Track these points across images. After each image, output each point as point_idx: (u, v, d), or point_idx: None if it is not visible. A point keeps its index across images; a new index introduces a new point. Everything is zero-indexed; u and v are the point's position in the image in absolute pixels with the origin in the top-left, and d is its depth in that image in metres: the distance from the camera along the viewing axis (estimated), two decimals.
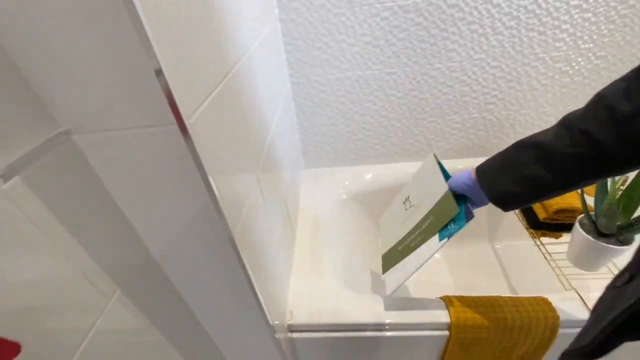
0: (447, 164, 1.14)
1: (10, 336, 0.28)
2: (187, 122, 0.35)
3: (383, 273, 0.77)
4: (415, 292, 1.08)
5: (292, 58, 0.96)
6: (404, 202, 0.80)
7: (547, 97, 1.01)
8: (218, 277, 0.52)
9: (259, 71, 0.67)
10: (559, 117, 1.05)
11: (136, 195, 0.41)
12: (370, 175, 1.19)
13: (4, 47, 0.30)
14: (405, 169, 1.18)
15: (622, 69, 0.94)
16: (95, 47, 0.30)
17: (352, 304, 0.77)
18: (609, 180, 0.70)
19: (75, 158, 0.36)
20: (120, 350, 0.42)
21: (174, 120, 0.34)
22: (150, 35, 0.29)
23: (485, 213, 1.22)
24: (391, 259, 0.76)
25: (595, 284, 0.94)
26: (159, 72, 0.31)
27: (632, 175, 0.69)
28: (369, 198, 1.18)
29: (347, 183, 1.18)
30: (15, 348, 0.29)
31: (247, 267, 0.50)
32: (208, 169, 0.39)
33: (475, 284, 1.12)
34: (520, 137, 1.12)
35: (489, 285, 1.09)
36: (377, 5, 0.86)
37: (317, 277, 0.85)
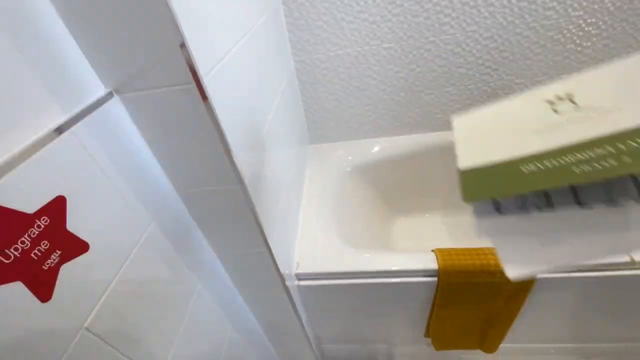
0: (446, 136, 1.21)
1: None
2: (203, 81, 0.44)
3: (467, 200, 0.41)
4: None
5: (294, 37, 1.04)
6: (548, 102, 0.40)
7: (541, 66, 1.05)
8: (235, 225, 0.62)
9: (262, 47, 0.75)
10: None
11: (165, 142, 0.50)
12: (373, 148, 1.26)
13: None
14: (405, 141, 1.25)
15: (613, 34, 0.97)
16: (136, 28, 0.39)
17: (352, 257, 0.86)
18: None
19: (117, 114, 0.46)
20: (150, 281, 0.52)
21: (192, 80, 0.43)
22: (178, 19, 0.38)
23: None
24: (501, 182, 0.38)
25: None
26: (182, 45, 0.40)
27: None
28: (372, 170, 1.26)
29: (350, 157, 1.26)
30: (85, 246, 0.39)
31: (260, 216, 0.60)
32: (222, 121, 0.48)
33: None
34: None
35: (482, 246, 1.15)
36: None
37: (321, 235, 0.94)
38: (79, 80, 0.41)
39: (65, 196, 0.37)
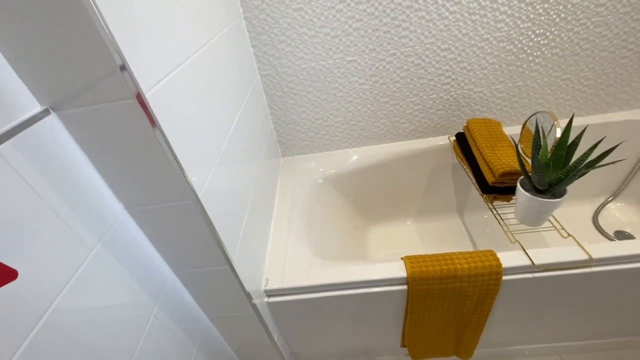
0: (413, 144, 1.24)
1: None
2: (146, 96, 0.43)
3: None
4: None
5: (259, 52, 1.04)
6: None
7: (497, 75, 1.10)
8: (191, 242, 0.60)
9: (222, 61, 0.75)
10: (510, 93, 1.14)
11: (110, 160, 0.48)
12: (344, 159, 1.27)
13: None
14: (375, 151, 1.26)
15: (560, 44, 1.04)
16: (72, 45, 0.38)
17: (322, 269, 0.85)
18: (542, 141, 0.79)
19: (54, 132, 0.44)
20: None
21: (134, 96, 0.42)
22: (117, 39, 0.37)
23: (453, 189, 1.31)
24: None
25: (537, 237, 1.03)
26: (122, 67, 0.39)
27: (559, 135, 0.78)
28: (344, 180, 1.27)
29: (321, 169, 1.26)
30: (13, 273, 0.36)
31: (219, 232, 0.58)
32: (169, 135, 0.46)
33: (441, 251, 1.20)
34: (477, 114, 1.23)
35: (454, 250, 1.17)
36: None
37: (292, 249, 0.93)
38: (9, 98, 0.39)
39: None
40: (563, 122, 1.05)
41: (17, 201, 0.38)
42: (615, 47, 1.05)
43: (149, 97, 0.44)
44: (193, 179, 0.52)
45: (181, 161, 0.49)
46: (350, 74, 1.09)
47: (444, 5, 0.96)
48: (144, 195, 0.52)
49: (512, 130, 1.14)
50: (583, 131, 0.76)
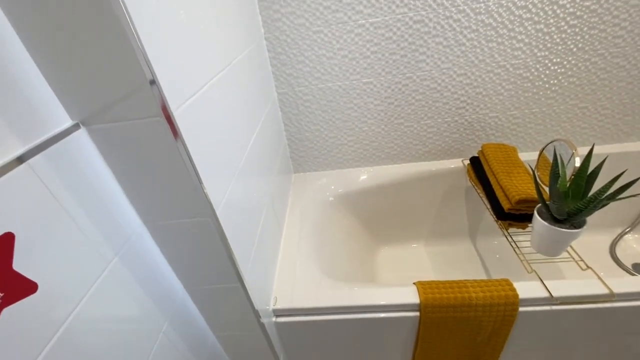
0: (426, 166, 1.23)
1: None
2: (174, 114, 0.44)
3: None
4: (397, 283, 1.14)
5: (277, 71, 1.07)
6: None
7: (513, 101, 1.10)
8: (205, 258, 0.59)
9: (243, 80, 0.77)
10: (526, 119, 1.14)
11: (133, 174, 0.49)
12: (355, 177, 1.27)
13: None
14: (387, 171, 1.26)
15: (577, 73, 1.04)
16: (106, 62, 0.39)
17: (331, 290, 0.83)
18: (560, 170, 0.78)
19: (83, 147, 0.45)
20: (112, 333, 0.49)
21: (162, 114, 0.43)
22: (148, 55, 0.39)
23: (465, 213, 1.29)
24: None
25: (554, 267, 1.00)
26: (152, 82, 0.40)
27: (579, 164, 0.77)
28: (355, 199, 1.26)
29: (333, 187, 1.26)
30: (33, 287, 0.36)
31: (232, 249, 0.58)
32: (193, 153, 0.47)
33: (452, 277, 1.17)
34: (492, 139, 1.22)
35: (465, 277, 1.14)
36: (351, 23, 0.96)
37: (301, 267, 0.91)
38: (43, 112, 0.41)
39: (15, 233, 0.35)
40: (581, 151, 1.04)
41: (42, 213, 0.39)
42: (633, 78, 1.04)
43: (177, 115, 0.45)
44: (212, 195, 0.52)
45: (202, 178, 0.50)
46: (366, 94, 1.10)
47: (461, 32, 0.97)
48: (164, 210, 0.53)
49: (528, 157, 1.13)
50: (603, 161, 0.75)
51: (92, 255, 0.45)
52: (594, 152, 1.12)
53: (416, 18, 0.95)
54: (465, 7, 0.94)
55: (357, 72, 1.06)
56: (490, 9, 0.94)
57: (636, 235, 1.25)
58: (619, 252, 1.21)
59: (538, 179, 0.92)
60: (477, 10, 0.94)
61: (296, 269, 0.91)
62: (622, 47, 0.99)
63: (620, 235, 1.24)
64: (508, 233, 0.94)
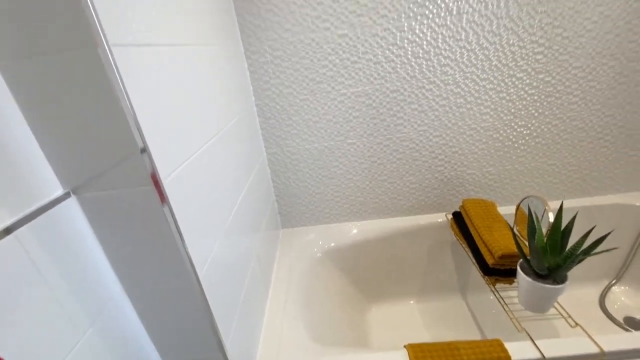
0: (412, 220, 1.26)
1: None
2: (163, 184, 0.46)
3: None
4: (388, 344, 1.08)
5: (267, 133, 1.13)
6: None
7: (487, 159, 1.18)
8: (188, 330, 0.57)
9: (234, 144, 0.82)
10: (501, 175, 1.20)
11: (120, 243, 0.49)
12: (343, 232, 1.28)
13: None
14: (374, 226, 1.28)
15: (542, 134, 1.14)
16: (99, 131, 0.43)
17: (319, 358, 0.79)
18: (536, 225, 0.82)
19: (72, 215, 0.46)
20: None
21: (151, 182, 0.45)
22: (140, 123, 0.42)
23: (454, 267, 1.29)
24: None
25: (546, 323, 0.98)
26: (143, 150, 0.43)
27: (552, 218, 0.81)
28: (343, 255, 1.26)
29: (320, 242, 1.26)
30: None
31: (216, 321, 0.56)
32: (180, 219, 0.49)
33: (445, 336, 1.13)
34: (471, 194, 1.27)
35: (458, 335, 1.10)
36: (334, 92, 1.06)
37: (288, 330, 0.88)
38: (35, 180, 0.42)
39: None
40: (556, 203, 1.09)
41: (20, 283, 0.38)
42: (593, 138, 1.15)
43: (167, 183, 0.47)
44: (196, 260, 0.53)
45: (187, 244, 0.50)
46: (350, 154, 1.17)
47: (433, 100, 1.08)
48: (147, 276, 0.52)
49: (506, 210, 1.17)
50: (575, 216, 0.79)
51: (66, 325, 0.43)
52: (567, 205, 1.18)
53: (392, 88, 1.06)
54: (435, 79, 1.05)
55: (341, 134, 1.13)
56: (457, 80, 1.05)
57: (622, 287, 1.25)
58: (608, 305, 1.20)
59: (517, 234, 0.95)
60: (446, 82, 1.05)
61: (283, 332, 0.87)
62: (577, 112, 1.11)
63: (608, 288, 1.25)
64: (496, 289, 0.94)
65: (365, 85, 1.05)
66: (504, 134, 1.14)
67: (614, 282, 1.26)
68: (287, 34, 0.99)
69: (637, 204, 1.20)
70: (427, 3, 0.96)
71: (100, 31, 0.38)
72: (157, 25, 0.50)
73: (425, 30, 0.99)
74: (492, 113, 1.10)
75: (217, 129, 0.72)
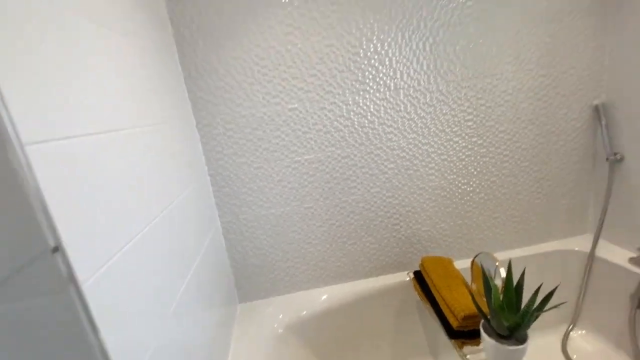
0: (376, 282, 1.24)
1: None
2: (82, 287, 0.41)
3: None
4: None
5: (221, 201, 1.10)
6: None
7: (438, 215, 1.23)
8: None
9: (181, 219, 0.77)
10: (454, 230, 1.25)
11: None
12: (305, 302, 1.21)
13: None
14: (337, 291, 1.23)
15: (483, 190, 1.23)
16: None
17: None
18: (491, 284, 0.83)
19: None
20: None
21: (67, 288, 0.39)
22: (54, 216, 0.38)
23: (423, 330, 1.25)
24: None
25: None
26: (55, 249, 0.39)
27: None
28: (305, 327, 1.17)
29: (281, 315, 1.17)
30: None
31: None
32: (101, 323, 0.42)
33: None
34: (429, 250, 1.29)
35: None
36: (287, 160, 1.09)
37: None
38: None
39: None
40: (507, 254, 1.14)
41: None
42: (527, 191, 1.26)
43: (89, 285, 0.42)
44: None
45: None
46: (308, 218, 1.16)
47: (382, 164, 1.14)
48: None
49: (463, 264, 1.20)
50: (523, 272, 0.82)
51: None
52: (517, 255, 1.23)
53: (343, 154, 1.11)
54: (382, 145, 1.12)
55: (297, 199, 1.13)
56: (402, 146, 1.13)
57: (580, 331, 1.29)
58: (571, 351, 1.22)
59: (475, 289, 0.96)
60: (392, 147, 1.13)
61: None
62: (509, 169, 1.23)
63: (567, 334, 1.27)
64: (464, 353, 0.91)
65: (317, 152, 1.09)
66: (451, 192, 1.21)
67: (571, 327, 1.29)
68: (239, 108, 1.02)
69: (576, 248, 1.29)
70: (367, 80, 1.06)
71: (11, 130, 0.35)
72: (84, 115, 0.49)
73: (368, 104, 1.08)
74: (437, 174, 1.18)
75: (161, 207, 0.68)
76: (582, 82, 1.17)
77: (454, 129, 1.15)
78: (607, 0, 1.10)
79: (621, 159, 1.16)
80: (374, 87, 1.07)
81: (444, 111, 1.12)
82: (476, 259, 0.99)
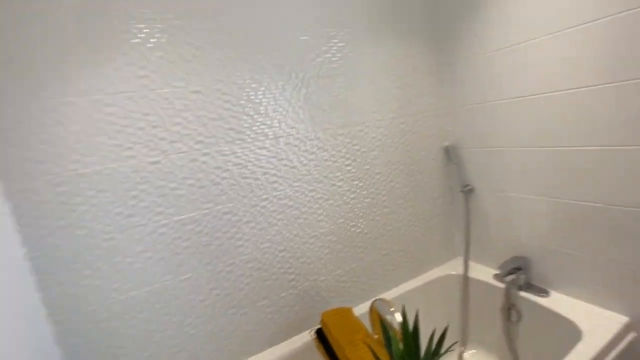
0: (280, 350, 1.07)
1: None
2: None
3: None
4: None
5: (51, 294, 0.79)
6: None
7: (333, 262, 1.19)
8: None
9: None
10: (349, 275, 1.21)
11: None
12: None
13: None
14: None
15: (371, 231, 1.26)
16: None
17: None
18: (390, 333, 0.79)
19: None
20: None
21: None
22: None
23: None
24: None
25: None
26: None
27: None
28: None
29: None
30: None
31: None
32: None
33: None
34: (329, 300, 1.20)
35: None
36: (152, 224, 0.88)
37: None
38: None
39: None
40: (403, 288, 1.15)
41: None
42: (407, 226, 1.35)
43: None
44: None
45: None
46: (187, 292, 0.95)
47: (270, 215, 1.05)
48: None
49: (363, 308, 1.16)
50: (417, 315, 0.81)
51: None
52: (407, 288, 1.27)
53: (224, 210, 0.98)
54: (268, 196, 1.04)
55: (170, 271, 0.92)
56: (288, 194, 1.08)
57: (471, 351, 1.38)
58: None
59: (378, 341, 0.91)
60: (279, 197, 1.06)
61: None
62: (390, 207, 1.31)
63: (460, 357, 1.35)
64: None
65: (190, 211, 0.93)
66: (342, 236, 1.20)
67: (463, 350, 1.38)
68: (76, 165, 0.79)
69: (453, 272, 1.43)
70: (243, 129, 0.99)
71: None
72: None
73: (247, 153, 1.00)
74: (326, 219, 1.16)
75: None
76: (433, 127, 1.38)
77: (336, 174, 1.17)
78: (441, 60, 1.35)
79: (472, 190, 1.38)
80: (252, 135, 1.00)
81: (325, 157, 1.14)
82: (374, 306, 0.96)
